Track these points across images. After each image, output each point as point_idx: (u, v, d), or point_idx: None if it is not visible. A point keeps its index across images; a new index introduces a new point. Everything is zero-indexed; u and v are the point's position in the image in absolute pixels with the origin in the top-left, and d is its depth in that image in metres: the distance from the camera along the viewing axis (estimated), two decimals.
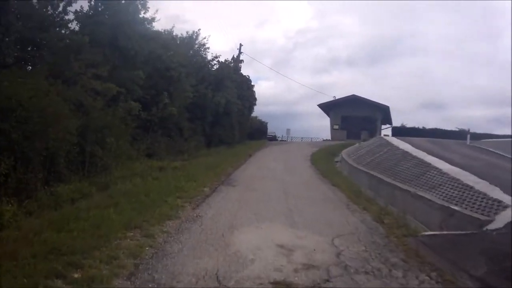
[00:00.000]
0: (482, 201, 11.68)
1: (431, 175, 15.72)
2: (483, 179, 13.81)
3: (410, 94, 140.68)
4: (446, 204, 12.26)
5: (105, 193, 14.14)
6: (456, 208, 11.72)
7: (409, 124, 66.82)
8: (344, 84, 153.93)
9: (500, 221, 10.15)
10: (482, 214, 10.90)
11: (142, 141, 25.00)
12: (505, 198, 11.41)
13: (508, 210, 10.56)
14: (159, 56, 28.38)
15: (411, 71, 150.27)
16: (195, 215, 11.70)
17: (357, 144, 36.93)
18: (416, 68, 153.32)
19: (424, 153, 19.76)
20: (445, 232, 10.58)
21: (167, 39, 33.51)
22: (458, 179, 14.15)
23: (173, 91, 29.21)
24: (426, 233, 10.70)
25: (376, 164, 21.65)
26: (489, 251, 8.46)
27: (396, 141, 25.89)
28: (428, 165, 17.13)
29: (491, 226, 9.97)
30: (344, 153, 31.28)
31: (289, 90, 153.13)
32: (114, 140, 18.78)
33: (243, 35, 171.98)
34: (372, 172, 19.62)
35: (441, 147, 25.07)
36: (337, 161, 31.89)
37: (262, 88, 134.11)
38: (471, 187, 12.95)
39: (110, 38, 23.64)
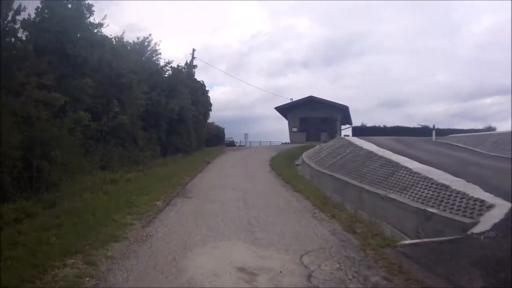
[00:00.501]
0: (461, 202, 11.24)
1: (400, 175, 15.35)
2: (458, 177, 13.50)
3: (368, 93, 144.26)
4: (421, 206, 11.79)
5: (51, 212, 13.26)
6: (433, 210, 11.26)
7: (370, 123, 68.10)
8: (300, 86, 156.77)
9: (486, 223, 9.56)
10: (464, 216, 10.41)
11: (95, 153, 23.86)
12: (487, 196, 10.95)
13: (494, 210, 10.04)
14: (109, 63, 27.31)
15: (367, 70, 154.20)
16: (144, 234, 10.82)
17: (317, 146, 36.87)
18: (373, 67, 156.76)
19: (390, 152, 19.62)
20: (426, 240, 9.80)
21: (117, 46, 32.55)
22: (431, 178, 13.76)
23: (124, 99, 28.04)
24: (406, 242, 9.95)
25: (339, 166, 21.25)
26: (481, 260, 7.73)
27: (358, 141, 25.75)
28: (396, 164, 16.81)
29: (476, 229, 9.33)
30: (304, 156, 30.96)
31: (245, 94, 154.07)
32: (63, 153, 17.78)
33: (197, 42, 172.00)
34: (336, 175, 19.20)
35: (406, 145, 25.03)
36: (298, 165, 31.57)
37: (218, 94, 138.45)
38: (447, 186, 12.53)
39: (56, 46, 22.59)
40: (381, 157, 18.88)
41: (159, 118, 36.06)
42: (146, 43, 40.32)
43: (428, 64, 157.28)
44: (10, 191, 14.41)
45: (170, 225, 11.95)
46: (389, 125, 65.27)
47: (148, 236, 10.64)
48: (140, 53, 38.97)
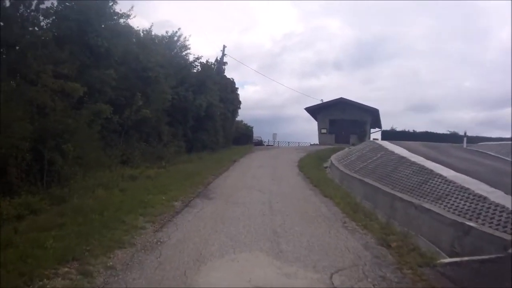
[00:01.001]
0: (501, 215, 10.08)
1: (435, 184, 14.18)
2: (494, 187, 12.32)
3: (397, 97, 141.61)
4: (459, 219, 10.59)
5: (57, 209, 12.12)
6: (472, 224, 10.07)
7: (398, 127, 66.18)
8: (331, 87, 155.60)
9: None
10: (505, 231, 9.23)
11: (116, 147, 22.90)
12: None
13: None
14: (136, 56, 26.31)
15: (398, 73, 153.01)
16: (155, 240, 9.57)
17: (346, 149, 35.45)
18: (403, 70, 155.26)
19: (423, 158, 18.41)
20: (467, 259, 8.52)
21: (145, 39, 31.53)
22: (467, 188, 12.60)
23: (150, 93, 27.04)
24: (445, 260, 8.71)
25: (370, 170, 20.06)
26: None
27: (389, 145, 24.46)
28: (430, 172, 15.61)
29: None
30: (333, 158, 29.48)
31: (275, 94, 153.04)
32: (78, 146, 16.79)
33: (228, 41, 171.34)
34: (367, 180, 17.99)
35: (438, 151, 23.46)
36: (326, 167, 30.12)
37: (249, 93, 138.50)
38: (485, 198, 11.35)
39: (78, 35, 21.58)
40: (413, 163, 17.72)
41: (186, 113, 35.02)
42: (175, 38, 39.08)
43: (456, 69, 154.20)
44: (17, 184, 13.40)
45: (185, 231, 10.70)
46: (417, 130, 63.51)
47: (159, 243, 9.39)
48: (169, 47, 37.79)
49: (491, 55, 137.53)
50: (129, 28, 27.73)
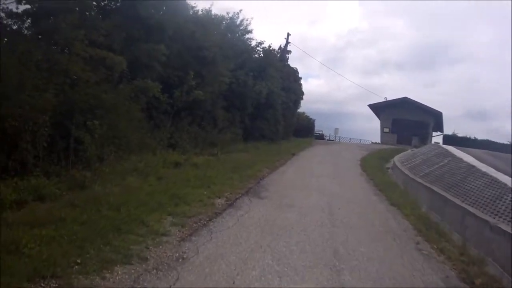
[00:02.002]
0: None
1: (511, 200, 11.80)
2: None
3: (456, 103, 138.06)
4: None
5: (68, 198, 9.79)
6: None
7: (459, 133, 62.55)
8: (393, 87, 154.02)
9: None
10: None
11: (164, 129, 20.70)
12: None
13: None
14: (192, 33, 24.07)
15: (459, 79, 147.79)
16: (176, 255, 7.02)
17: (409, 150, 34.03)
18: (464, 76, 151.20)
19: (494, 170, 15.92)
20: None
21: (203, 17, 29.21)
22: None
23: (205, 74, 24.79)
24: None
25: (436, 177, 17.68)
26: None
27: (457, 151, 21.91)
28: (504, 186, 13.25)
29: None
30: (396, 160, 27.36)
31: (338, 89, 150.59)
32: (115, 125, 14.89)
33: (293, 32, 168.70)
34: (434, 188, 15.68)
35: (505, 162, 20.34)
36: (388, 168, 28.02)
37: (312, 86, 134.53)
38: None
39: (127, 5, 19.65)
40: (485, 174, 15.26)
41: (244, 99, 32.56)
42: (236, 20, 36.21)
43: None
44: (33, 163, 11.22)
45: (221, 242, 8.13)
46: (473, 137, 59.51)
47: (180, 260, 6.82)
48: (229, 29, 35.27)
49: None
50: (185, 4, 25.77)
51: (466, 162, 18.28)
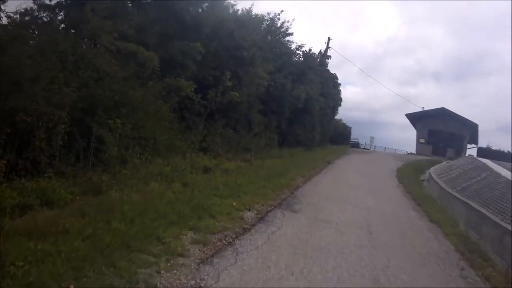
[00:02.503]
0: None
1: None
2: None
3: (489, 115, 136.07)
4: None
5: (78, 204, 8.75)
6: None
7: (493, 146, 62.00)
8: (428, 97, 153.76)
9: None
10: None
11: (196, 131, 19.65)
12: None
13: None
14: (230, 32, 23.14)
15: (493, 91, 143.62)
16: (192, 283, 5.89)
17: (444, 162, 33.59)
18: (498, 89, 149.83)
19: None
20: None
21: (243, 16, 28.26)
22: None
23: (243, 75, 23.80)
24: None
25: (473, 192, 16.62)
26: None
27: (494, 166, 20.96)
28: None
29: None
30: (432, 172, 26.18)
31: (375, 98, 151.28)
32: (142, 125, 13.99)
33: (333, 37, 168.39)
34: (472, 203, 14.83)
35: None
36: (423, 180, 27.03)
37: (349, 93, 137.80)
38: None
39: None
40: None
41: (282, 103, 31.27)
42: (276, 21, 35.05)
43: None
44: (47, 163, 10.22)
45: (247, 267, 6.94)
46: (509, 151, 57.92)
47: None
48: (269, 30, 34.39)
49: None
50: (224, 2, 24.77)
51: (504, 177, 17.45)
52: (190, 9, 19.61)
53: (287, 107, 32.00)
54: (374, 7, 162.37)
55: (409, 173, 28.92)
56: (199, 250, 7.19)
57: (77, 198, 9.29)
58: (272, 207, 11.88)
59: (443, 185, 20.14)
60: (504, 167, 20.46)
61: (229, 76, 20.58)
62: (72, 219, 7.44)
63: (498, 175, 18.09)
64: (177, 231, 7.79)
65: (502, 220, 12.04)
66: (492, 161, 23.72)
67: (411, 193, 19.84)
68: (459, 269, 9.23)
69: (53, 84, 10.68)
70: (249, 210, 10.76)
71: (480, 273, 9.15)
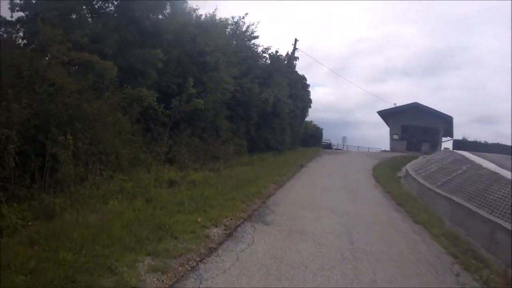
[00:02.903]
0: None
1: None
2: None
3: (463, 108, 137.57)
4: None
5: (28, 232, 7.86)
6: None
7: (469, 137, 62.78)
8: (400, 93, 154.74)
9: None
10: None
11: (161, 143, 18.79)
12: None
13: None
14: (193, 38, 22.61)
15: (466, 84, 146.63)
16: None
17: (421, 158, 33.64)
18: (471, 82, 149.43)
19: None
20: None
21: (206, 21, 27.70)
22: None
23: (207, 81, 23.10)
24: None
25: (456, 186, 16.44)
26: None
27: (474, 157, 20.80)
28: None
29: None
30: (409, 168, 26.37)
31: (345, 97, 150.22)
32: (100, 139, 13.10)
33: (299, 41, 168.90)
34: (455, 198, 14.76)
35: None
36: (400, 177, 26.89)
37: (319, 95, 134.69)
38: None
39: (120, 5, 18.37)
40: (510, 181, 13.91)
41: (249, 108, 30.73)
42: (241, 24, 34.51)
43: None
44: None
45: None
46: (486, 141, 60.76)
47: None
48: (234, 34, 33.78)
49: None
50: (184, 5, 24.16)
51: (487, 168, 17.17)
52: (151, 15, 18.88)
53: (255, 112, 31.45)
54: (342, 9, 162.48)
55: (386, 171, 28.61)
56: (157, 279, 6.36)
57: (29, 223, 8.47)
58: (242, 220, 11.04)
59: (422, 181, 20.06)
60: (486, 158, 20.21)
61: (192, 83, 19.68)
62: (20, 248, 6.69)
63: (479, 167, 17.89)
64: (133, 257, 6.93)
65: (490, 214, 11.74)
66: (472, 153, 23.51)
67: (390, 192, 19.36)
68: (454, 275, 8.59)
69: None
70: (216, 226, 9.87)
71: (477, 276, 8.56)
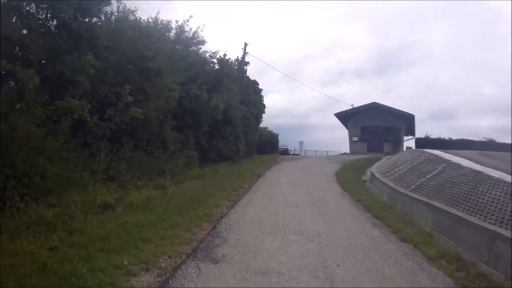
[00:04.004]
0: None
1: None
2: None
3: (418, 105, 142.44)
4: None
5: None
6: None
7: (422, 135, 62.94)
8: (353, 95, 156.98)
9: None
10: None
11: (99, 159, 16.68)
12: None
13: None
14: (133, 42, 20.61)
15: (418, 81, 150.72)
16: None
17: (385, 159, 32.59)
18: (424, 78, 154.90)
19: (505, 174, 13.23)
20: None
21: (148, 25, 26.44)
22: None
23: (149, 89, 21.01)
24: None
25: (434, 189, 14.96)
26: None
27: (448, 156, 19.32)
28: None
29: None
30: (375, 171, 24.65)
31: (299, 102, 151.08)
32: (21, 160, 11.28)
33: (249, 48, 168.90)
34: (437, 204, 13.19)
35: (506, 163, 16.98)
36: (365, 181, 25.52)
37: (272, 101, 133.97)
38: None
39: (46, 8, 16.44)
40: (499, 181, 12.60)
41: (198, 116, 28.64)
42: (186, 28, 32.91)
43: (476, 76, 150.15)
44: None
45: None
46: (450, 137, 60.62)
47: None
48: (179, 39, 32.04)
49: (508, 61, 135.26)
50: (122, 8, 22.45)
51: (466, 167, 15.63)
52: (80, 18, 16.87)
53: (205, 120, 29.44)
54: (288, 13, 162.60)
55: (350, 176, 27.37)
56: None
57: None
58: (184, 258, 8.55)
59: (392, 185, 18.79)
60: (459, 155, 18.86)
61: (128, 90, 17.51)
62: None
63: (458, 166, 16.41)
64: None
65: (484, 221, 10.36)
66: (443, 151, 22.16)
67: (361, 201, 17.51)
68: None
69: None
70: (147, 270, 7.39)
71: None
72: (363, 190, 20.76)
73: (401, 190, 17.08)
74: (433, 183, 15.67)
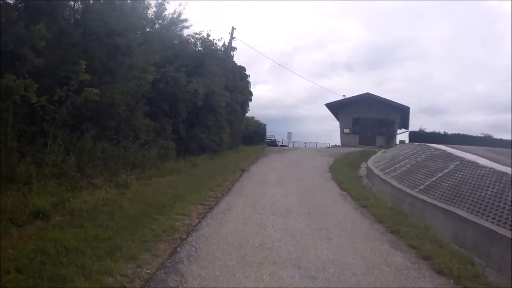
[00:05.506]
0: None
1: None
2: None
3: (409, 99, 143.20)
4: None
5: None
6: None
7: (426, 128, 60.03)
8: (343, 88, 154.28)
9: None
10: None
11: (52, 149, 13.95)
12: None
13: None
14: (100, 16, 17.69)
15: (410, 76, 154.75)
16: None
17: (380, 152, 30.59)
18: (415, 73, 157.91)
19: None
20: None
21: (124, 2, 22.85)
22: None
23: (116, 68, 18.16)
24: None
25: (449, 192, 12.48)
26: None
27: (459, 152, 16.80)
28: None
29: None
30: (373, 166, 21.95)
31: (288, 94, 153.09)
32: None
33: (240, 36, 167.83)
34: (464, 214, 10.51)
35: None
36: (361, 176, 23.07)
37: (261, 92, 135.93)
38: None
39: None
40: None
41: (176, 102, 25.51)
42: (165, 5, 29.17)
43: (470, 74, 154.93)
44: None
45: None
46: (446, 132, 58.39)
47: None
48: (157, 17, 28.84)
49: (506, 60, 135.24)
50: None
51: (486, 167, 13.20)
52: None
53: (183, 106, 26.24)
54: (280, 5, 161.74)
55: (346, 172, 24.45)
56: None
57: None
58: (144, 284, 5.80)
59: (396, 184, 16.19)
60: (468, 151, 16.74)
61: (84, 67, 14.65)
62: None
63: (475, 165, 13.90)
64: None
65: None
66: (448, 146, 19.75)
67: (367, 207, 14.18)
68: None
69: None
70: None
71: None
72: (364, 191, 17.95)
73: (408, 191, 14.57)
74: (447, 184, 13.22)
